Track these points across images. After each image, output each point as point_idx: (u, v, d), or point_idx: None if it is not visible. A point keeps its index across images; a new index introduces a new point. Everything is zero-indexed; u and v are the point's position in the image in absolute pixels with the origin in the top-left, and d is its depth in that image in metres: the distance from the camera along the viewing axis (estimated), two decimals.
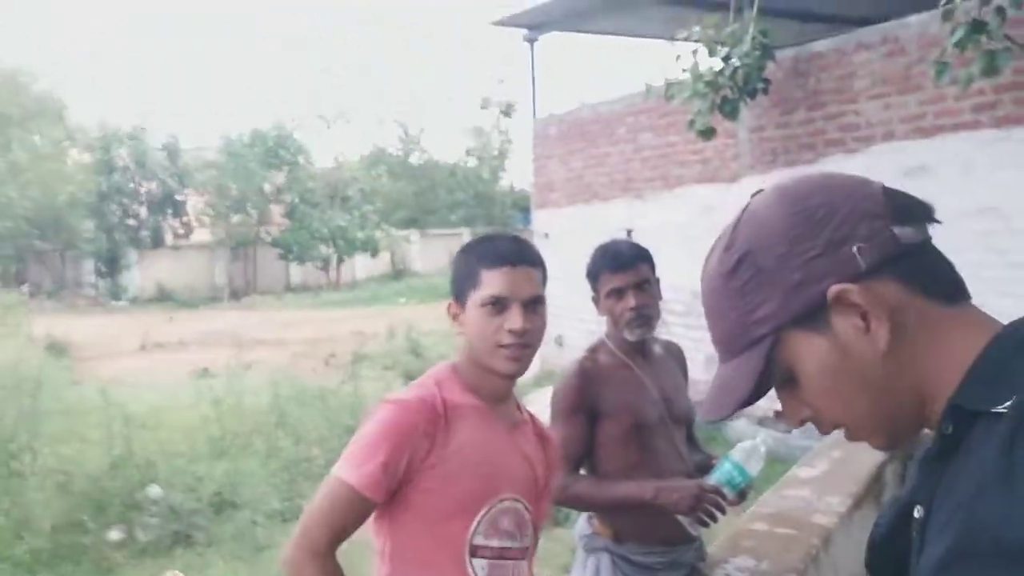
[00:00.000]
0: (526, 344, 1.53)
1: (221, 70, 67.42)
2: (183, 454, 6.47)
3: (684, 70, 6.43)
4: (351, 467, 1.46)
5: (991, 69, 4.81)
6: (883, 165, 5.86)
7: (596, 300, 2.30)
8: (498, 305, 1.52)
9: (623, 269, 2.22)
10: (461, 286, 1.57)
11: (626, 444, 2.21)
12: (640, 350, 2.30)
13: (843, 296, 0.75)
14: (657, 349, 2.38)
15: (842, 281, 0.74)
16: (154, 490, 5.80)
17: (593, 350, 2.32)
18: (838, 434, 0.81)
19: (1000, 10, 4.76)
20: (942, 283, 0.77)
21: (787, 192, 0.81)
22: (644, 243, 8.60)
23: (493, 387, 1.60)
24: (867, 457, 3.30)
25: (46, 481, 5.59)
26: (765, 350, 0.79)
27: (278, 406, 7.73)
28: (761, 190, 0.86)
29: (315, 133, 29.81)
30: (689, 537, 2.28)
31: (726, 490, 2.06)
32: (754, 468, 2.06)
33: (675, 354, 2.46)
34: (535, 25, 9.67)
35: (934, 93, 5.54)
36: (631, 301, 2.21)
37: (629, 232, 8.42)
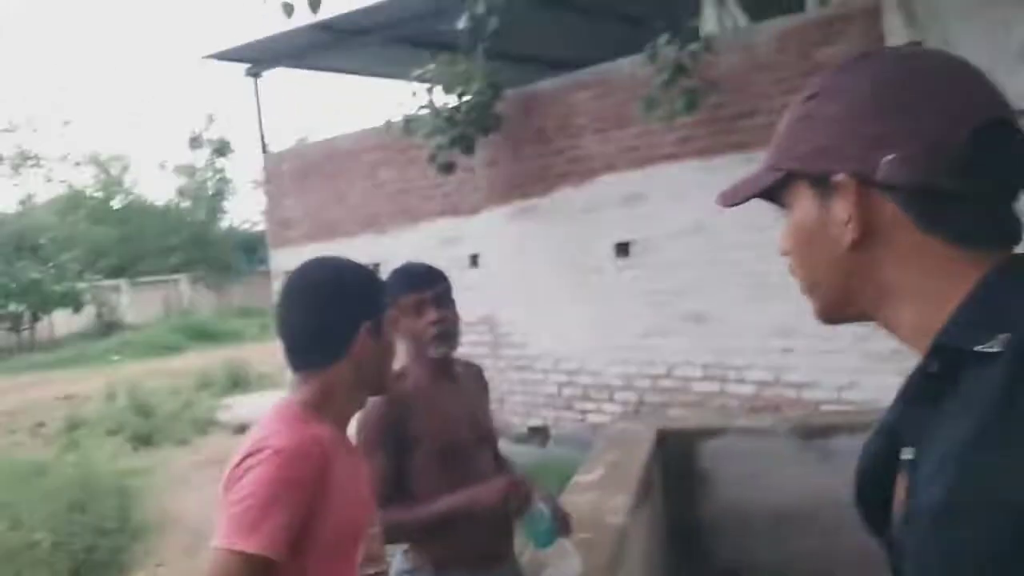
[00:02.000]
0: None
1: None
2: None
3: (423, 107, 6.63)
4: (244, 533, 1.34)
5: (691, 105, 5.53)
6: (607, 193, 6.46)
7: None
8: None
9: (422, 285, 2.23)
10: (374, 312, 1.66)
11: (440, 469, 2.22)
12: (445, 370, 2.31)
13: (841, 187, 0.77)
14: (459, 369, 2.43)
15: (855, 175, 0.76)
16: None
17: (395, 376, 2.32)
18: (608, 439, 0.80)
19: (695, 54, 5.49)
20: (963, 227, 0.74)
21: (894, 64, 0.80)
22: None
23: (355, 410, 1.68)
24: (636, 459, 3.61)
25: None
26: (772, 179, 0.83)
27: None
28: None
29: None
30: (506, 555, 2.35)
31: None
32: (542, 526, 2.18)
33: (476, 374, 2.53)
34: (257, 60, 9.40)
35: (644, 128, 6.21)
36: (432, 315, 2.20)
37: (376, 267, 8.43)
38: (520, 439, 7.14)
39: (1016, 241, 0.77)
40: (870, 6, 5.24)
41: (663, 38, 5.56)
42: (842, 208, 0.77)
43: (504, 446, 7.26)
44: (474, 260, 7.52)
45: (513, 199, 7.20)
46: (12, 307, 23.51)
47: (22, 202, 26.72)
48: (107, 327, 26.25)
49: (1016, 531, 0.60)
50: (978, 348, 0.68)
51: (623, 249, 6.45)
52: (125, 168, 31.32)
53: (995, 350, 0.67)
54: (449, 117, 6.56)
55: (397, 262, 8.77)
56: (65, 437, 10.20)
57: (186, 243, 29.66)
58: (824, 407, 5.46)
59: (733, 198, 0.88)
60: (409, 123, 6.79)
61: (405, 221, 8.11)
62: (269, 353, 10.21)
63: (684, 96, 5.54)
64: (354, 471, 1.60)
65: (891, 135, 0.74)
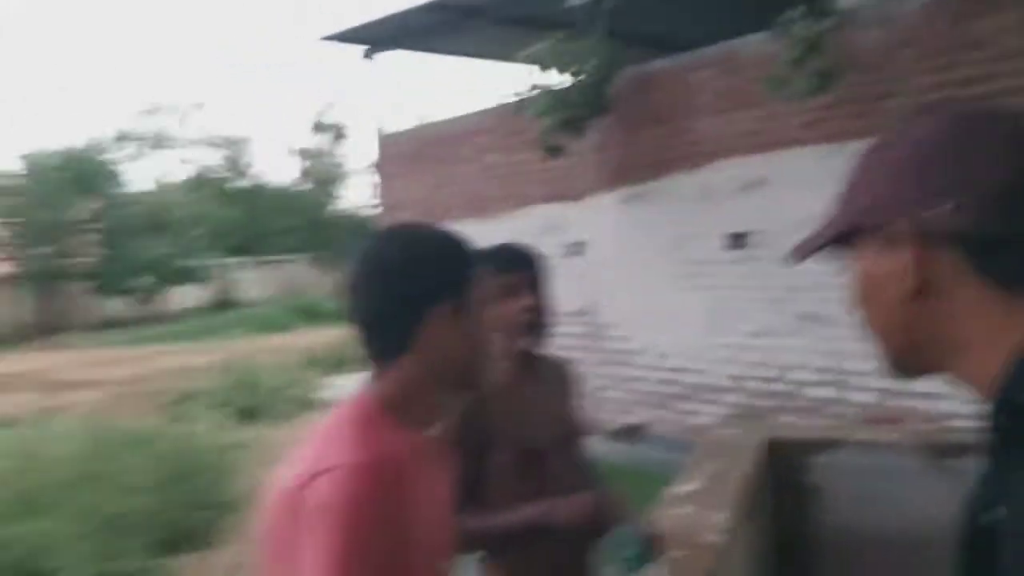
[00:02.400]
0: None
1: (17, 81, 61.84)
2: None
3: (535, 87, 6.38)
4: None
5: (823, 85, 5.04)
6: (724, 180, 6.03)
7: None
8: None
9: (514, 266, 1.96)
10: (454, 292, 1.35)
11: (518, 474, 1.97)
12: (531, 364, 2.06)
13: (899, 238, 0.78)
14: (546, 364, 2.16)
15: (912, 225, 0.76)
16: None
17: (491, 370, 2.06)
18: (710, 446, 0.97)
19: (830, 30, 4.99)
20: (1022, 274, 0.75)
21: (959, 118, 0.80)
22: None
23: (440, 411, 1.37)
24: (740, 469, 3.25)
25: None
26: (837, 232, 0.84)
27: (95, 454, 6.91)
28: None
29: (132, 155, 27.78)
30: (586, 574, 2.07)
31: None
32: (632, 550, 1.88)
33: (565, 371, 2.25)
34: (373, 41, 9.37)
35: (770, 110, 5.75)
36: (524, 300, 1.94)
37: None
38: (613, 437, 6.81)
39: None
40: None
41: (796, 11, 5.08)
42: (901, 259, 0.79)
43: (596, 444, 6.96)
44: (578, 247, 7.22)
45: (622, 184, 6.85)
46: (141, 280, 24.81)
47: (157, 181, 28.12)
48: (227, 303, 27.42)
49: None
50: None
51: (738, 240, 6.00)
52: (250, 150, 32.58)
53: None
54: (562, 96, 6.27)
55: None
56: (175, 408, 10.54)
57: (303, 225, 30.60)
58: (955, 422, 4.88)
59: (802, 253, 0.89)
60: (521, 103, 6.54)
61: (511, 206, 7.88)
62: None
63: (816, 75, 5.06)
64: (437, 486, 1.32)
65: (947, 185, 0.76)
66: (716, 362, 6.14)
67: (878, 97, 5.18)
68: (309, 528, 1.08)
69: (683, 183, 6.38)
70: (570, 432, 2.12)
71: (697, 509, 2.79)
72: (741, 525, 2.80)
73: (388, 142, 9.71)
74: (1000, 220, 0.73)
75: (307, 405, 10.82)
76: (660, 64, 6.61)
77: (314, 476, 1.12)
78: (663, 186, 6.54)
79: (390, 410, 1.24)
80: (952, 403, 4.86)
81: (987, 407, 0.75)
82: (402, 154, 9.41)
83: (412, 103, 43.30)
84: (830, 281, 5.42)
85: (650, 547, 1.93)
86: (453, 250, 1.32)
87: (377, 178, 9.90)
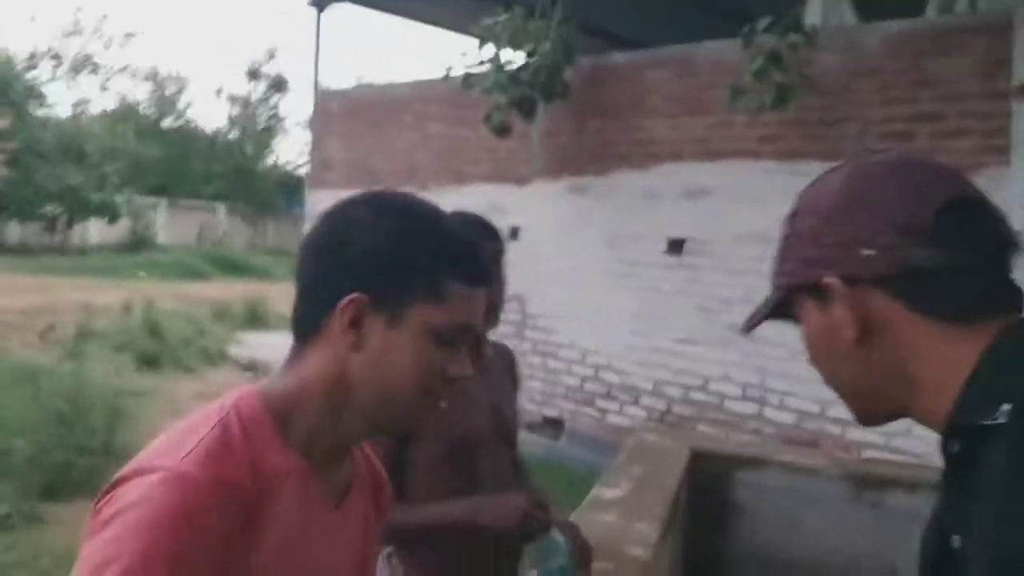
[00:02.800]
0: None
1: None
2: None
3: (483, 61, 6.19)
4: None
5: (780, 101, 5.02)
6: (669, 183, 5.98)
7: None
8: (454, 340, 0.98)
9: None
10: (399, 287, 0.95)
11: (443, 467, 1.81)
12: (474, 348, 1.91)
13: (832, 290, 0.81)
14: (488, 352, 2.02)
15: (841, 276, 0.80)
16: None
17: (435, 405, 1.89)
18: (633, 450, 0.93)
19: (795, 46, 4.97)
20: (953, 304, 0.78)
21: (859, 170, 0.84)
22: None
23: (347, 440, 1.00)
24: (666, 477, 3.18)
25: None
26: (777, 299, 0.89)
27: None
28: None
29: (51, 77, 26.22)
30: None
31: None
32: (555, 562, 1.76)
33: (505, 357, 2.11)
34: None
35: (722, 118, 5.71)
36: None
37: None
38: (532, 429, 6.73)
39: (1017, 308, 0.79)
40: (1000, 21, 4.69)
41: (762, 22, 5.04)
42: (836, 311, 0.81)
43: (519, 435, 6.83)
44: (514, 233, 7.08)
45: (566, 174, 6.74)
46: (49, 209, 23.52)
47: (75, 106, 26.66)
48: (139, 243, 26.29)
49: None
50: (985, 422, 0.70)
51: (676, 246, 5.97)
52: (180, 89, 31.24)
53: (1000, 422, 0.69)
54: (513, 76, 6.10)
55: None
56: (72, 345, 9.97)
57: (229, 173, 29.57)
58: (868, 452, 4.97)
59: (751, 324, 0.94)
60: (469, 76, 6.33)
61: (449, 181, 7.68)
62: (291, 295, 9.91)
63: (776, 89, 5.03)
64: (320, 537, 0.97)
65: (864, 232, 0.79)
66: (640, 364, 6.11)
67: (834, 121, 5.20)
68: (90, 532, 0.83)
69: (628, 181, 6.31)
70: (509, 428, 1.98)
71: (621, 518, 2.70)
72: (665, 538, 2.73)
73: (325, 98, 9.35)
74: (924, 256, 0.77)
75: (213, 359, 10.41)
76: (617, 58, 6.51)
77: (134, 473, 0.85)
78: (608, 181, 6.45)
79: (276, 420, 0.93)
80: (866, 434, 4.94)
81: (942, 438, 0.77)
82: (340, 112, 9.08)
83: (358, 62, 42.17)
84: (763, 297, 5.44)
85: (578, 558, 1.82)
86: (430, 243, 0.96)
87: (310, 135, 9.54)
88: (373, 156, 8.56)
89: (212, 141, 30.13)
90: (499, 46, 6.33)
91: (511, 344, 7.24)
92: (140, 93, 30.23)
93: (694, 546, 3.51)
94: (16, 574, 4.01)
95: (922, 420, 0.81)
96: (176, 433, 0.91)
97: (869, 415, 0.87)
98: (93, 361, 8.96)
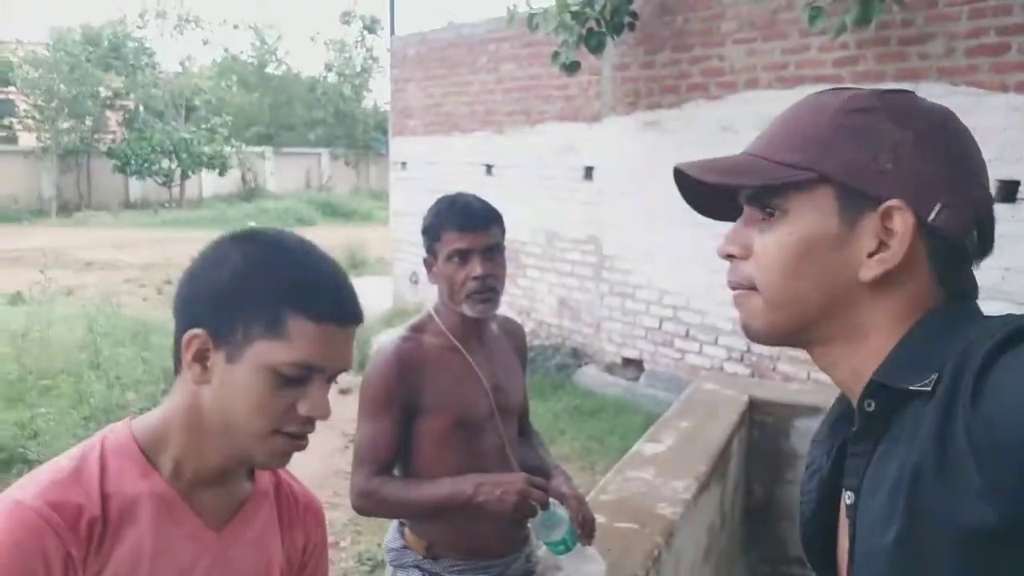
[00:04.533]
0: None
1: None
2: None
3: None
4: None
5: (864, 18, 4.68)
6: (746, 112, 5.72)
7: (429, 264, 1.90)
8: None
9: (473, 229, 1.83)
10: (236, 323, 0.95)
11: (447, 443, 1.87)
12: (476, 330, 1.94)
13: (890, 215, 0.74)
14: (493, 328, 2.03)
15: (905, 207, 0.73)
16: None
17: (416, 328, 1.93)
18: (688, 400, 1.02)
19: None
20: (963, 283, 0.77)
21: (953, 117, 0.78)
22: (503, 180, 8.13)
23: (217, 467, 1.01)
24: (714, 430, 3.14)
25: None
26: (799, 177, 0.76)
27: (92, 342, 6.96)
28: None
29: (159, 34, 27.20)
30: (517, 545, 1.99)
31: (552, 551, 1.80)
32: (557, 535, 1.78)
33: (513, 334, 2.12)
34: None
35: (798, 42, 5.39)
36: (477, 268, 1.82)
37: (489, 168, 8.04)
38: (611, 369, 6.73)
39: (975, 296, 0.78)
40: None
41: None
42: (871, 234, 0.75)
43: (594, 373, 6.85)
44: (588, 173, 6.97)
45: (640, 108, 6.54)
46: (164, 163, 24.72)
47: (181, 63, 27.66)
48: (249, 192, 27.38)
49: (966, 559, 0.64)
50: (914, 387, 0.70)
51: None
52: (279, 37, 31.85)
53: (928, 389, 0.69)
54: (577, 12, 5.92)
55: (510, 167, 8.31)
56: None
57: (330, 118, 30.17)
58: None
59: (719, 176, 0.80)
60: (533, 16, 6.19)
61: (523, 122, 7.60)
62: (389, 238, 10.15)
63: (858, 5, 4.67)
64: (203, 560, 1.00)
65: (952, 182, 0.74)
66: (719, 303, 5.97)
67: (917, 39, 4.82)
68: None
69: (702, 113, 6.07)
70: (514, 402, 2.00)
71: (658, 475, 2.70)
72: (702, 495, 2.71)
73: (402, 43, 9.34)
74: (972, 234, 0.75)
75: None
76: None
77: None
78: (681, 114, 6.22)
79: (143, 450, 0.98)
80: None
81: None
82: (415, 57, 9.06)
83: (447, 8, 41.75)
84: None
85: (581, 531, 1.85)
86: (271, 278, 0.94)
87: (390, 81, 9.59)
88: (449, 100, 8.55)
89: (312, 87, 30.72)
90: None
91: (591, 286, 7.24)
92: (241, 44, 31.03)
93: (751, 495, 3.47)
94: None
95: (832, 370, 0.79)
96: (45, 466, 0.96)
97: (784, 336, 0.80)
98: None
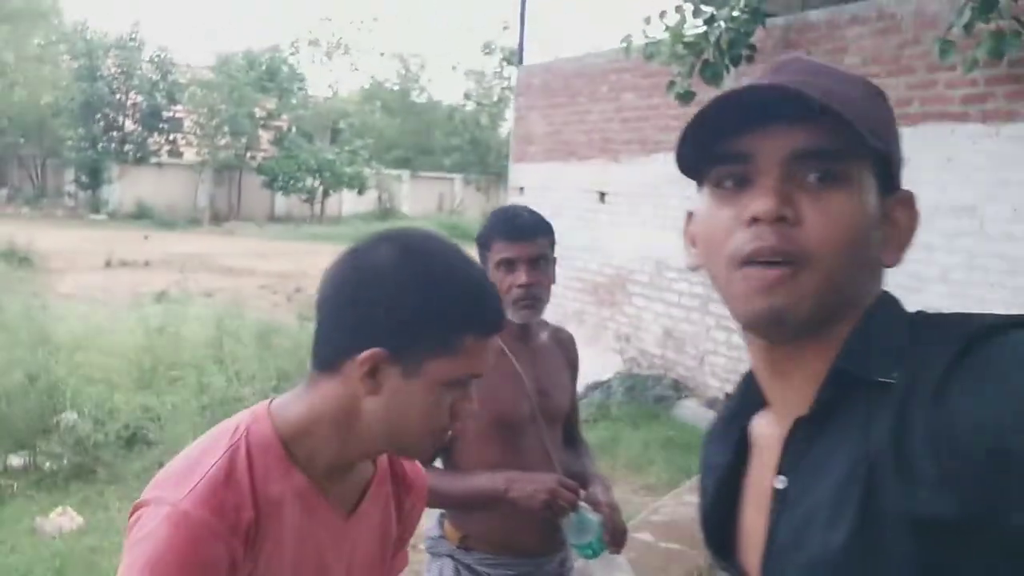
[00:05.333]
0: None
1: None
2: (106, 381, 6.20)
3: (666, 27, 6.04)
4: None
5: (997, 52, 4.46)
6: None
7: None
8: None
9: (520, 239, 1.92)
10: (417, 344, 1.02)
11: (487, 441, 1.93)
12: (521, 335, 2.01)
13: (903, 203, 0.78)
14: (543, 336, 2.09)
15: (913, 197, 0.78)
16: (70, 417, 5.54)
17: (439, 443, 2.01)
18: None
19: None
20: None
21: None
22: (616, 208, 8.18)
23: (350, 461, 1.08)
24: None
25: None
26: (877, 148, 0.72)
27: (219, 339, 7.46)
28: None
29: (310, 60, 28.96)
30: (551, 547, 2.02)
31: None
32: (585, 538, 1.82)
33: (564, 343, 2.17)
34: None
35: (924, 78, 5.18)
36: (522, 276, 1.90)
37: (602, 195, 8.10)
38: (712, 404, 6.59)
39: None
40: None
41: None
42: (891, 222, 0.77)
43: (693, 407, 6.71)
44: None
45: None
46: (308, 181, 26.17)
47: (330, 86, 29.29)
48: (385, 212, 28.54)
49: (924, 554, 0.64)
50: (881, 379, 0.69)
51: None
52: (423, 66, 33.19)
53: (892, 382, 0.68)
54: (692, 43, 5.92)
55: (624, 195, 8.34)
56: (310, 307, 11.14)
57: (466, 145, 31.07)
58: None
59: (841, 106, 0.70)
60: (648, 47, 6.23)
61: (639, 151, 7.62)
62: None
63: (991, 39, 4.46)
64: (327, 552, 1.07)
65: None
66: None
67: None
68: (126, 547, 0.97)
69: None
70: (552, 406, 2.05)
71: None
72: None
73: (527, 73, 9.57)
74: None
75: None
76: (812, 15, 6.07)
77: (146, 502, 0.98)
78: None
79: (284, 444, 1.03)
80: None
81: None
82: (539, 86, 9.26)
83: (562, 32, 42.22)
84: (964, 278, 4.92)
85: (610, 537, 1.86)
86: (446, 299, 1.00)
87: (515, 109, 9.83)
88: (569, 128, 8.68)
89: (450, 115, 31.77)
90: (680, 11, 6.13)
91: (694, 316, 7.11)
92: (386, 72, 32.55)
93: None
94: None
95: (810, 364, 0.75)
96: (188, 460, 1.01)
97: (816, 319, 0.72)
98: None
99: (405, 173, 30.42)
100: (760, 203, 0.71)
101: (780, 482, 0.75)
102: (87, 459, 5.03)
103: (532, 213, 2.01)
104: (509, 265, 1.91)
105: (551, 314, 2.08)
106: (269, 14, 61.25)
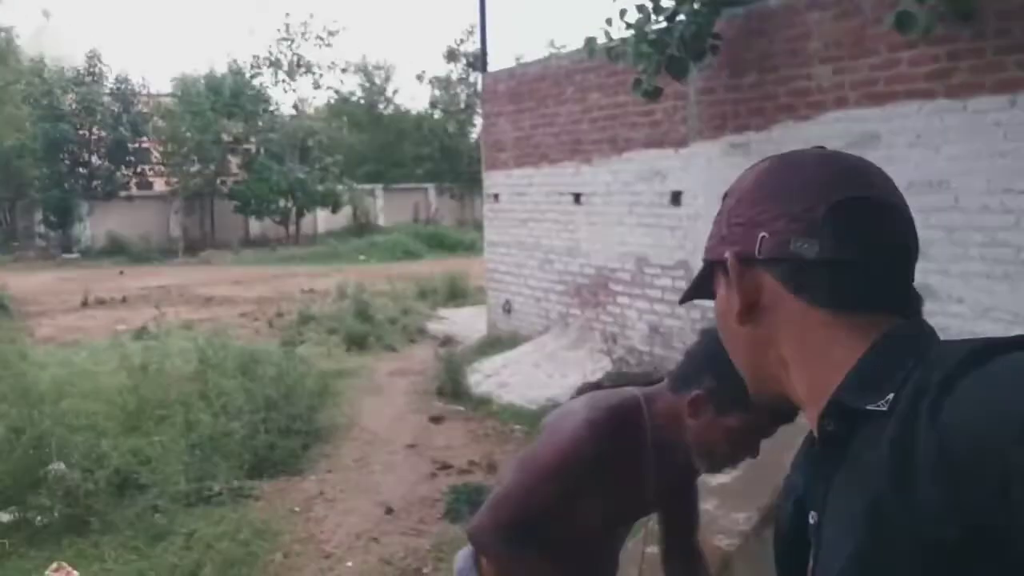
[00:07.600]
0: None
1: (169, 5, 64.97)
2: (92, 427, 6.08)
3: (628, 25, 6.04)
4: None
5: (960, 14, 4.49)
6: (834, 133, 5.55)
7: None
8: None
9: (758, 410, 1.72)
10: None
11: (583, 538, 1.79)
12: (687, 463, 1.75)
13: (727, 265, 0.87)
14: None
15: (737, 254, 0.86)
16: (58, 467, 5.43)
17: (648, 399, 1.72)
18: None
19: None
20: (834, 295, 0.80)
21: (781, 160, 0.89)
22: (591, 208, 8.14)
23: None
24: (782, 458, 3.04)
25: None
26: (701, 273, 0.95)
27: (204, 374, 7.35)
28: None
29: (272, 81, 28.71)
30: None
31: None
32: None
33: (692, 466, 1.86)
34: None
35: (887, 58, 5.21)
36: (756, 447, 1.66)
37: (577, 197, 8.08)
38: None
39: (902, 305, 0.81)
40: None
41: None
42: (731, 285, 0.87)
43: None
44: (676, 198, 6.91)
45: (727, 132, 6.45)
46: (280, 203, 25.97)
47: (295, 106, 29.07)
48: (360, 228, 28.35)
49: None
50: (869, 407, 0.72)
51: None
52: (387, 77, 33.04)
53: (883, 409, 0.71)
54: (656, 40, 5.91)
55: (598, 195, 8.32)
56: (293, 331, 11.05)
57: (436, 154, 30.95)
58: None
59: (685, 297, 1.02)
60: (611, 48, 6.22)
61: (610, 151, 7.61)
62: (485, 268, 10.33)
63: (948, 8, 4.49)
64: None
65: (764, 216, 0.85)
66: None
67: (1015, 47, 4.57)
68: None
69: (791, 134, 5.93)
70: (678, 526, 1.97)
71: (720, 506, 2.64)
72: (766, 526, 2.62)
73: (492, 79, 9.54)
74: (811, 246, 0.80)
75: (414, 336, 11.07)
76: (770, 2, 6.09)
77: None
78: (769, 136, 6.10)
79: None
80: None
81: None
82: (505, 92, 9.23)
83: (524, 36, 42.22)
84: (944, 251, 4.94)
85: None
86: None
87: (483, 117, 9.81)
88: (538, 132, 8.66)
89: (418, 124, 31.65)
90: (642, 9, 6.13)
91: (679, 312, 7.08)
92: (350, 85, 32.36)
93: None
94: (220, 545, 4.59)
95: (794, 396, 0.84)
96: None
97: (758, 392, 0.90)
98: (308, 345, 9.90)
99: (378, 187, 30.26)
100: None
101: (812, 517, 0.79)
102: (78, 510, 4.92)
103: None
104: (744, 432, 1.61)
105: (536, 321, 2.01)
106: (227, 35, 60.82)
